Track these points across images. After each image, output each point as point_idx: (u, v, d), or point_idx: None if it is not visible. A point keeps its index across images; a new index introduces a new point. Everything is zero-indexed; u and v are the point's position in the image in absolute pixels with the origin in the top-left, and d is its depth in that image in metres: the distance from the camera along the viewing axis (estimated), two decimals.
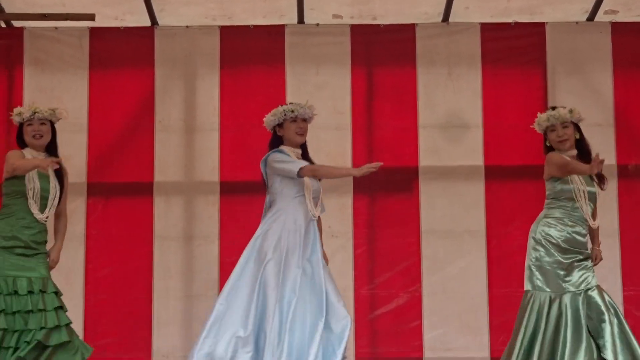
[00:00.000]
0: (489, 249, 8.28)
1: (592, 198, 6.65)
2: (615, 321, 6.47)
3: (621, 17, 8.37)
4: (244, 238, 7.81)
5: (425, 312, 8.20)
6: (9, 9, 8.25)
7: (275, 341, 6.28)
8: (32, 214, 6.53)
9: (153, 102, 8.39)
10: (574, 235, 6.57)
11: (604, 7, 8.25)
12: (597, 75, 8.33)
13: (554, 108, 6.80)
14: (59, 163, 6.61)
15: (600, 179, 6.69)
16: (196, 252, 8.34)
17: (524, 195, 8.25)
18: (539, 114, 6.87)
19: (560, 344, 6.38)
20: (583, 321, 6.41)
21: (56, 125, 6.84)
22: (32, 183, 6.54)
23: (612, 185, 7.85)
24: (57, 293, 6.52)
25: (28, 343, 6.28)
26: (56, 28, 8.43)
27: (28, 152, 6.63)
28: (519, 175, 8.34)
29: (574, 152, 6.70)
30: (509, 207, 8.29)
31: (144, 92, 8.40)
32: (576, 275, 6.54)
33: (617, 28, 8.40)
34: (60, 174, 6.70)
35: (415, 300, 8.21)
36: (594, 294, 6.51)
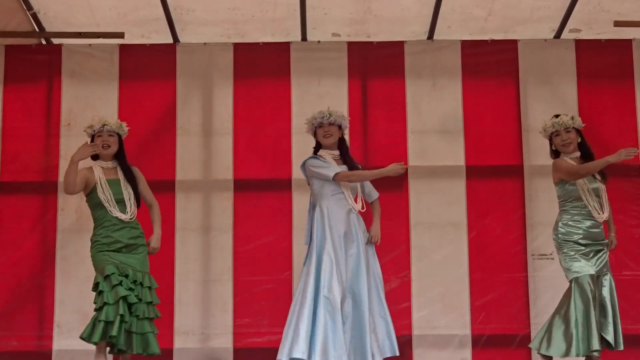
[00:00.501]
0: (469, 238, 8.44)
1: (597, 193, 7.04)
2: (614, 307, 6.93)
3: (584, 35, 8.62)
4: (255, 229, 8.48)
5: (414, 295, 8.36)
6: (49, 28, 8.45)
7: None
8: (117, 217, 6.86)
9: (175, 109, 8.54)
10: (589, 230, 6.98)
11: (569, 26, 8.50)
12: (564, 86, 8.57)
13: (557, 116, 7.18)
14: (100, 147, 6.92)
15: (602, 175, 7.08)
16: (212, 242, 8.47)
17: (500, 192, 8.52)
18: (544, 121, 7.23)
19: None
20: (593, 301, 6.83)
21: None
22: (103, 192, 6.91)
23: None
24: (151, 288, 6.88)
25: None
26: (90, 45, 8.58)
27: (97, 165, 7.01)
28: (496, 174, 8.54)
29: (577, 153, 7.12)
30: (487, 202, 8.50)
31: (167, 100, 8.56)
32: (593, 261, 6.95)
33: (581, 45, 8.63)
34: (129, 173, 7.03)
35: (404, 284, 8.38)
36: (605, 279, 6.96)
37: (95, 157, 7.07)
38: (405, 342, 8.15)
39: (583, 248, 6.95)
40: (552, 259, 8.30)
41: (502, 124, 8.62)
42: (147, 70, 8.63)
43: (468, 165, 8.57)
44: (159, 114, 8.59)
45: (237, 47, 8.66)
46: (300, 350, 6.56)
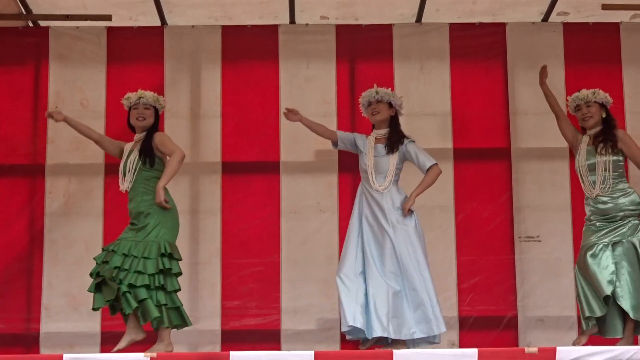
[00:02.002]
0: (456, 221, 8.42)
1: (592, 169, 6.94)
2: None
3: (572, 18, 8.58)
4: (243, 212, 8.44)
5: None
6: (36, 11, 8.37)
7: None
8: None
9: (163, 92, 8.36)
10: (597, 206, 6.93)
11: (557, 9, 8.45)
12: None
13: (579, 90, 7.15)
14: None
15: (606, 148, 6.93)
16: (201, 225, 8.41)
17: (487, 175, 8.50)
18: (568, 98, 7.22)
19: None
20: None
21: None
22: (120, 164, 6.98)
23: (563, 164, 8.22)
24: (137, 257, 6.72)
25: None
26: (77, 27, 8.50)
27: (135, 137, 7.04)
28: (483, 157, 8.51)
29: (598, 128, 7.02)
30: (474, 185, 8.48)
31: (155, 83, 8.40)
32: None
33: (569, 28, 8.59)
34: (146, 142, 6.94)
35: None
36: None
37: (132, 129, 7.09)
38: None
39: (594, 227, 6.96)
40: (539, 241, 8.32)
41: (490, 107, 8.58)
42: (135, 53, 8.57)
43: (455, 148, 8.53)
44: None
45: (225, 29, 8.60)
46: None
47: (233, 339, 8.20)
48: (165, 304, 6.75)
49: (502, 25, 8.62)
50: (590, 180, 6.98)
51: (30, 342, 8.18)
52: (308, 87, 8.51)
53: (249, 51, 8.58)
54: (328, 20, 8.65)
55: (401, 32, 8.63)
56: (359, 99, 7.29)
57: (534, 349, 6.07)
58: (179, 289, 6.90)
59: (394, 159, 7.09)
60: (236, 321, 8.29)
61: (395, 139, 7.12)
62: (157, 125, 7.11)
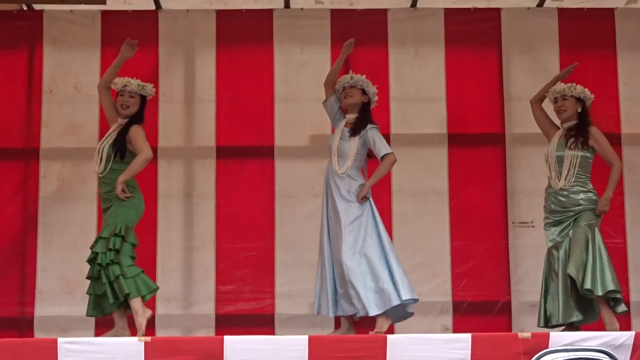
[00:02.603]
0: (451, 206, 8.43)
1: (561, 161, 7.01)
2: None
3: (566, 4, 8.55)
4: (237, 196, 8.44)
5: None
6: None
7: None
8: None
9: (157, 76, 8.43)
10: (558, 197, 7.01)
11: None
12: (546, 55, 8.51)
13: (564, 82, 7.19)
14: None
15: (577, 143, 7.01)
16: (195, 209, 8.41)
17: (481, 160, 8.50)
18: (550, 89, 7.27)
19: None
20: None
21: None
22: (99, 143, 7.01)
23: None
24: (101, 237, 6.77)
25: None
26: (72, 11, 8.47)
27: (118, 120, 7.06)
28: (477, 142, 8.52)
29: (573, 122, 7.09)
30: (468, 171, 8.48)
31: (149, 67, 8.44)
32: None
33: (563, 13, 8.56)
34: (122, 131, 6.95)
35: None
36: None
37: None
38: None
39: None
40: (533, 226, 8.30)
41: (485, 92, 8.58)
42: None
43: (450, 133, 8.53)
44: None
45: (220, 13, 8.57)
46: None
47: (227, 323, 8.20)
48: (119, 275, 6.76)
49: (497, 11, 8.60)
50: (557, 171, 7.03)
51: (25, 326, 8.18)
52: (303, 71, 8.50)
53: (244, 35, 8.56)
54: (323, 4, 8.63)
55: (396, 17, 8.61)
56: (335, 86, 7.31)
57: (527, 334, 6.09)
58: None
59: (355, 143, 7.10)
60: (230, 305, 8.29)
61: (360, 124, 7.16)
62: (141, 112, 7.10)
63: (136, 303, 6.71)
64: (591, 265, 6.84)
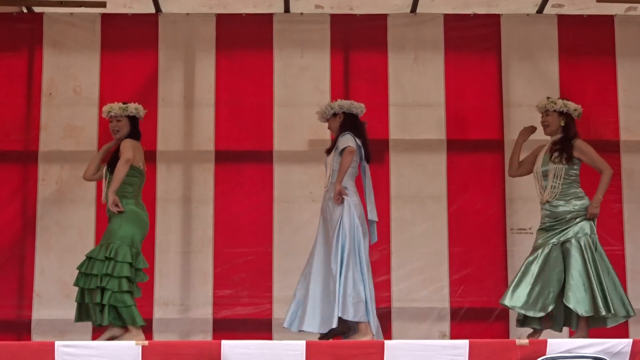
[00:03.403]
0: (449, 212, 8.43)
1: (546, 174, 7.08)
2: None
3: (566, 10, 8.57)
4: (235, 201, 8.43)
5: (393, 268, 8.35)
6: None
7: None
8: None
9: (157, 80, 8.47)
10: (551, 209, 7.07)
11: (551, 1, 8.47)
12: (545, 61, 8.54)
13: (548, 98, 7.23)
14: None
15: (561, 158, 7.06)
16: (193, 213, 8.43)
17: (480, 166, 8.51)
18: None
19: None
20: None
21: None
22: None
23: None
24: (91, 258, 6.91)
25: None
26: (72, 14, 8.47)
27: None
28: (476, 148, 8.52)
29: (558, 136, 7.13)
30: (467, 176, 8.49)
31: (149, 71, 8.48)
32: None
33: (563, 20, 8.57)
34: (114, 157, 7.08)
35: (384, 257, 8.36)
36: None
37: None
38: (384, 315, 8.09)
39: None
40: (531, 233, 8.16)
41: (484, 98, 8.60)
42: (129, 40, 8.57)
43: (449, 139, 8.54)
44: (140, 85, 8.52)
45: (220, 18, 8.59)
46: None
47: (225, 327, 8.20)
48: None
49: (497, 17, 8.62)
50: (543, 186, 7.10)
51: (22, 329, 8.19)
52: (302, 76, 8.51)
53: (243, 40, 8.57)
54: (323, 9, 8.63)
55: (396, 22, 8.62)
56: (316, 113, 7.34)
57: (524, 341, 6.08)
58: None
59: (331, 156, 7.14)
60: (228, 310, 8.30)
61: (334, 140, 7.20)
62: (135, 130, 7.19)
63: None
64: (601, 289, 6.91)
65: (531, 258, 7.07)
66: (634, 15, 8.61)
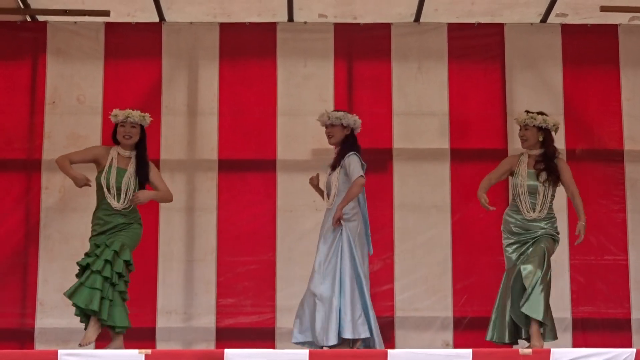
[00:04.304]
0: (452, 221, 8.44)
1: (534, 191, 7.04)
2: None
3: (570, 20, 8.59)
4: (239, 210, 8.46)
5: (397, 277, 8.35)
6: (34, 5, 8.35)
7: None
8: (110, 203, 6.90)
9: (160, 88, 8.49)
10: (525, 223, 7.06)
11: (555, 10, 8.47)
12: (549, 70, 8.55)
13: (527, 112, 7.14)
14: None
15: (548, 176, 7.05)
16: (197, 222, 8.44)
17: (483, 175, 7.97)
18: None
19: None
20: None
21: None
22: (107, 177, 6.93)
23: None
24: (118, 255, 6.81)
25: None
26: (75, 22, 8.50)
27: (115, 150, 7.02)
28: (479, 157, 8.50)
29: (537, 151, 7.11)
30: (470, 185, 8.25)
31: (152, 79, 8.51)
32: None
33: (567, 29, 8.60)
34: (143, 167, 7.02)
35: (387, 266, 8.37)
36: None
37: (116, 142, 7.09)
38: (387, 324, 8.12)
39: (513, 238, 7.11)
40: None
41: (487, 107, 8.61)
42: (133, 49, 8.59)
43: (453, 148, 8.55)
44: (144, 93, 8.53)
45: (223, 26, 8.61)
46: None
47: (228, 336, 8.22)
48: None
49: (501, 26, 8.64)
50: (529, 202, 7.07)
51: (25, 337, 8.20)
52: (306, 85, 8.53)
53: (247, 49, 8.59)
54: (326, 18, 8.65)
55: (399, 32, 8.64)
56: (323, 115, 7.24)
57: (528, 351, 6.09)
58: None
59: (336, 175, 7.11)
60: (231, 319, 8.31)
61: (339, 156, 7.15)
62: (143, 141, 7.13)
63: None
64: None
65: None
66: (638, 24, 8.63)
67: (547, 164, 7.11)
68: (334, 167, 7.17)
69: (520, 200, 7.09)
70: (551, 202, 7.11)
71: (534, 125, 7.10)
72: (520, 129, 7.18)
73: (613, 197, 8.47)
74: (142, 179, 7.04)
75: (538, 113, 7.14)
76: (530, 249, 7.00)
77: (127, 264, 6.89)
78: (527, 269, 6.89)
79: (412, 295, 8.36)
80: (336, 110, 7.36)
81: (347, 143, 7.16)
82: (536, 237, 7.03)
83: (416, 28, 8.64)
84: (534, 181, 7.06)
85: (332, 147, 7.30)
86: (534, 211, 7.03)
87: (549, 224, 7.08)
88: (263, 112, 8.53)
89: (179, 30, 8.62)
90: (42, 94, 8.52)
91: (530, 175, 7.09)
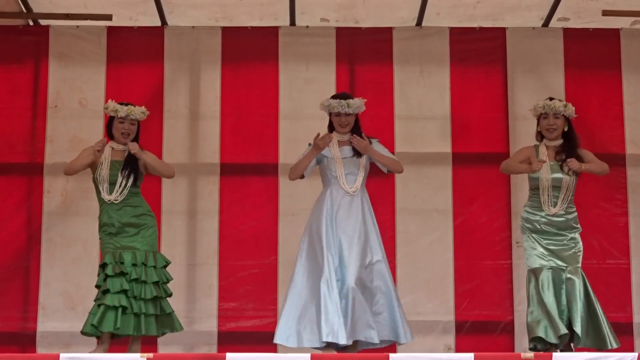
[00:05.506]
0: (454, 225, 8.43)
1: (557, 185, 6.86)
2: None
3: (572, 24, 8.60)
4: (241, 213, 8.48)
5: (399, 280, 8.24)
6: (36, 9, 8.36)
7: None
8: (103, 197, 6.85)
9: (162, 92, 8.50)
10: (553, 219, 6.89)
11: (557, 14, 8.47)
12: (551, 74, 8.55)
13: (551, 99, 7.00)
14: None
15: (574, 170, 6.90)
16: (198, 226, 8.44)
17: (485, 179, 8.48)
18: (537, 101, 7.09)
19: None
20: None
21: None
22: (100, 172, 6.90)
23: None
24: (156, 267, 6.83)
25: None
26: (78, 26, 8.51)
27: (110, 144, 6.97)
28: (481, 161, 8.51)
29: (559, 142, 6.95)
30: (473, 189, 8.49)
31: (154, 83, 8.52)
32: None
33: (569, 33, 8.61)
34: (132, 156, 6.94)
35: (390, 270, 8.23)
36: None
37: (110, 137, 7.04)
38: None
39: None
40: None
41: (489, 111, 8.62)
42: (135, 52, 8.59)
43: (454, 152, 8.55)
44: (146, 97, 8.41)
45: (225, 30, 8.62)
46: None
47: (230, 340, 8.22)
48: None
49: (503, 30, 8.65)
50: (552, 196, 6.90)
51: (27, 341, 8.20)
52: (307, 89, 8.53)
53: (249, 52, 8.61)
54: (328, 22, 8.67)
55: (401, 36, 8.65)
56: (321, 103, 7.14)
57: (530, 355, 6.08)
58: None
59: (363, 161, 7.05)
60: (233, 323, 8.32)
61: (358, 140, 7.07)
62: (138, 133, 7.08)
63: None
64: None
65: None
66: None
67: (569, 155, 6.92)
68: (358, 152, 7.00)
69: (542, 194, 6.91)
70: (572, 195, 6.95)
71: (563, 115, 6.96)
72: (546, 117, 6.95)
73: (615, 201, 8.47)
74: (135, 178, 6.97)
75: (550, 98, 7.04)
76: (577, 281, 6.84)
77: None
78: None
79: (414, 299, 8.32)
80: (346, 95, 7.18)
81: (356, 125, 7.13)
82: (565, 242, 6.88)
83: (418, 32, 8.66)
84: (558, 173, 6.89)
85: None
86: (555, 206, 6.88)
87: (573, 218, 6.92)
88: (265, 115, 8.55)
89: (181, 34, 8.62)
90: (45, 97, 8.53)
91: (554, 168, 6.92)
